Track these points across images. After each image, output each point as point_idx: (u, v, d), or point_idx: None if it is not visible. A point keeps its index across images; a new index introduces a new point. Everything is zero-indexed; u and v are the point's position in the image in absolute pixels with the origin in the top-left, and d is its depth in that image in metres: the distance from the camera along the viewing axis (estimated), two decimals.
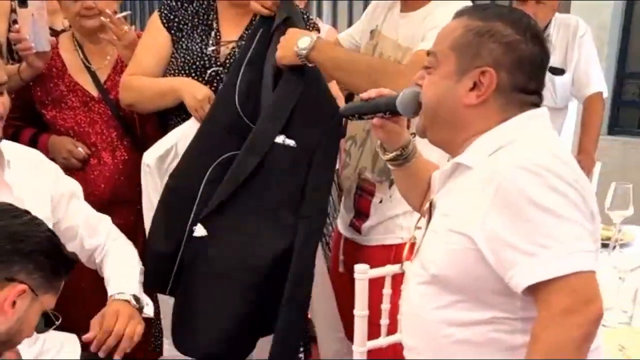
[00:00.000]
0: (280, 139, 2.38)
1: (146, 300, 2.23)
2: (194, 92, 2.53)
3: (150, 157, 2.57)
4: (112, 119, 2.79)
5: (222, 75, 2.58)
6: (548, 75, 3.65)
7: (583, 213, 1.48)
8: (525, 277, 1.44)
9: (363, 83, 2.19)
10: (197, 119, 2.53)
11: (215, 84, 2.58)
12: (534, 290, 1.45)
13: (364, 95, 1.88)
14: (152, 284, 2.42)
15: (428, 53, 1.70)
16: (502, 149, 1.56)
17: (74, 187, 2.36)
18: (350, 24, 6.88)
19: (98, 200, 2.61)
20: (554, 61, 3.69)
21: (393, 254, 2.39)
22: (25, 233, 1.72)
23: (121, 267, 2.28)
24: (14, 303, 1.65)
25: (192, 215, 2.43)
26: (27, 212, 1.79)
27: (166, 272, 2.46)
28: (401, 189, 2.07)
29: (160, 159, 2.56)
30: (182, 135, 2.57)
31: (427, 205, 1.73)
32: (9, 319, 1.66)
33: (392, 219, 2.44)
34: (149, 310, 2.23)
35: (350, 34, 2.70)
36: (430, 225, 1.68)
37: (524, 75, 1.60)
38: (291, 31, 2.38)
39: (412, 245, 1.77)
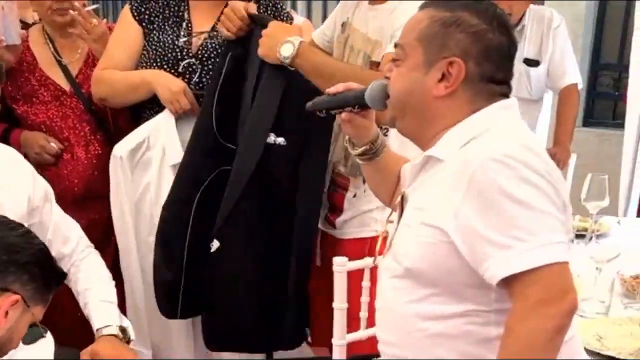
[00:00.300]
0: (270, 138, 2.38)
1: (127, 323, 2.23)
2: (168, 84, 2.52)
3: (122, 149, 2.57)
4: (85, 113, 2.77)
5: (195, 67, 2.57)
6: (523, 66, 3.72)
7: (555, 204, 1.47)
8: (500, 269, 1.43)
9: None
10: (171, 111, 2.54)
11: (188, 76, 2.57)
12: (508, 282, 1.44)
13: (332, 89, 1.86)
14: (164, 312, 2.55)
15: (395, 45, 1.69)
16: (473, 140, 1.55)
17: (48, 189, 2.33)
18: (324, 18, 6.87)
19: (72, 196, 2.59)
20: (529, 52, 3.71)
21: (368, 247, 2.38)
22: (22, 245, 1.78)
23: (103, 298, 2.24)
24: (6, 313, 1.67)
25: (187, 242, 2.50)
26: (21, 225, 1.86)
27: (175, 298, 2.52)
28: (371, 184, 2.06)
29: (133, 152, 2.57)
30: (155, 128, 2.57)
31: (399, 198, 1.72)
32: (1, 328, 1.67)
33: (367, 212, 2.44)
34: (131, 333, 2.22)
35: (323, 30, 2.67)
36: (403, 218, 1.67)
37: (492, 65, 1.59)
38: (274, 27, 2.36)
39: (385, 239, 1.76)
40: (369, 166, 1.96)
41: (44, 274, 1.81)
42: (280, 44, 2.29)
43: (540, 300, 1.41)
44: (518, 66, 3.68)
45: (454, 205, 1.48)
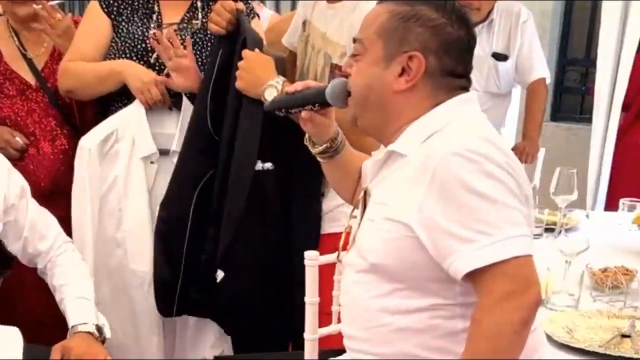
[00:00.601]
0: (258, 165, 2.38)
1: (103, 321, 2.21)
2: (139, 74, 2.51)
3: (90, 141, 2.54)
4: (51, 107, 2.74)
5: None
6: (492, 61, 3.74)
7: (518, 197, 1.48)
8: (464, 264, 1.44)
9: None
10: (142, 101, 2.52)
11: (158, 67, 2.55)
12: (473, 276, 1.44)
13: (290, 88, 1.85)
14: (161, 311, 2.56)
15: (354, 40, 1.68)
16: (435, 134, 1.55)
17: (24, 184, 2.30)
18: (293, 8, 6.86)
19: (38, 192, 2.55)
20: (497, 47, 3.73)
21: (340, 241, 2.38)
22: None
23: (79, 295, 2.21)
24: None
25: (186, 241, 2.49)
26: None
27: (172, 297, 2.53)
28: (332, 181, 2.05)
29: (101, 144, 2.54)
30: (124, 120, 2.55)
31: (361, 194, 1.72)
32: None
33: (337, 207, 2.43)
34: (107, 332, 2.20)
35: (289, 33, 2.65)
36: (366, 214, 1.66)
37: (451, 59, 1.60)
38: (251, 60, 2.35)
39: (348, 234, 1.75)
40: (330, 164, 1.95)
41: None
42: (263, 86, 2.28)
43: (506, 293, 1.41)
44: (487, 60, 3.70)
45: (417, 199, 1.48)
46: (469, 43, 1.64)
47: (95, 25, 2.64)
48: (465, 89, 1.64)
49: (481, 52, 3.69)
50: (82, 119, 2.78)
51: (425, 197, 1.47)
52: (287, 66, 2.60)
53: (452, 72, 1.61)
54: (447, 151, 1.47)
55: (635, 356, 1.87)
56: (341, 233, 2.36)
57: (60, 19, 2.68)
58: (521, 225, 1.46)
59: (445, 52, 1.59)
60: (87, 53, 2.61)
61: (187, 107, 2.55)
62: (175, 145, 2.56)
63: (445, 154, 1.47)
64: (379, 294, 1.58)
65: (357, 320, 1.65)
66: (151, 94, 2.49)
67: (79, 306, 2.18)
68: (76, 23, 2.77)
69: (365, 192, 1.70)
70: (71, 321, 2.14)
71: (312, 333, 2.12)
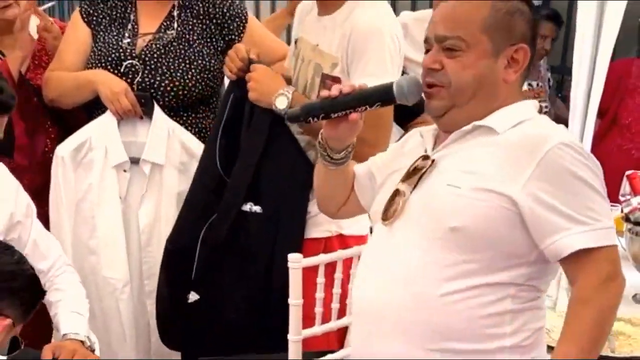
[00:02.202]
0: (247, 206, 2.39)
1: (94, 339, 2.23)
2: (110, 84, 2.54)
3: (64, 149, 2.59)
4: (41, 107, 2.74)
5: (137, 68, 2.57)
6: None
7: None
8: (577, 241, 1.54)
9: None
10: (112, 111, 2.55)
11: (130, 77, 2.58)
12: (578, 255, 1.55)
13: (330, 92, 1.76)
14: (170, 344, 2.61)
15: (442, 38, 1.70)
16: (524, 122, 1.66)
17: (30, 204, 2.31)
18: (272, 10, 6.89)
19: (32, 188, 2.56)
20: None
21: (323, 246, 2.42)
22: (17, 272, 1.99)
23: (74, 309, 2.24)
24: None
25: (193, 276, 2.50)
26: (10, 247, 2.06)
27: (176, 329, 2.57)
28: (326, 190, 2.02)
29: (75, 152, 2.59)
30: (98, 129, 2.59)
31: (419, 160, 1.72)
32: None
33: (321, 213, 2.44)
34: (97, 350, 2.23)
35: (289, 55, 2.65)
36: (441, 180, 1.66)
37: (534, 49, 1.73)
38: (261, 72, 2.38)
39: (392, 200, 1.73)
40: (335, 172, 1.93)
41: (32, 298, 2.02)
42: (274, 95, 2.32)
43: (610, 277, 1.55)
44: None
45: (522, 176, 1.57)
46: None
47: (76, 35, 2.70)
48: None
49: None
50: (74, 118, 2.78)
51: (533, 176, 1.57)
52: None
53: (532, 62, 1.73)
54: (556, 141, 1.58)
55: (610, 354, 1.92)
56: (323, 239, 2.43)
57: (53, 22, 2.73)
58: (611, 219, 1.60)
59: (534, 43, 1.73)
60: (69, 62, 2.67)
61: (159, 115, 2.57)
62: (145, 154, 2.58)
63: (556, 143, 1.57)
64: (442, 262, 1.62)
65: (403, 285, 1.65)
66: (121, 104, 2.51)
67: (72, 319, 2.20)
68: (61, 29, 2.80)
69: (429, 160, 1.71)
70: (63, 330, 2.17)
71: (295, 334, 2.16)
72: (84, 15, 2.69)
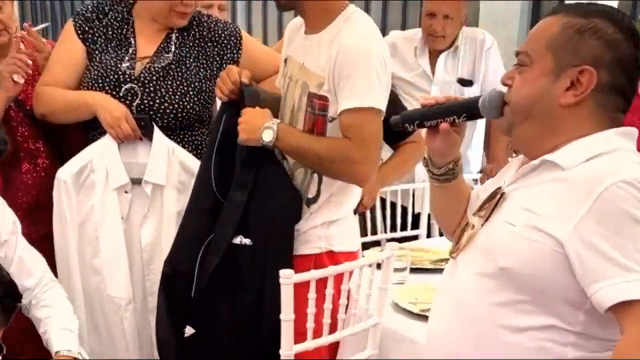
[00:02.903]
0: (237, 239, 2.43)
1: (85, 355, 2.26)
2: (110, 109, 2.55)
3: (65, 173, 2.60)
4: (31, 126, 2.75)
5: (136, 91, 2.60)
6: (457, 86, 3.82)
7: None
8: (620, 292, 1.40)
9: (318, 169, 2.36)
10: (112, 136, 2.57)
11: (129, 100, 2.59)
12: (624, 306, 1.41)
13: (428, 101, 1.81)
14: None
15: (518, 53, 1.65)
16: (598, 157, 1.53)
17: (16, 221, 2.33)
18: (264, 22, 6.92)
19: (21, 209, 2.59)
20: (463, 73, 3.80)
21: (313, 263, 2.43)
22: None
23: (64, 326, 2.24)
24: None
25: (191, 299, 2.51)
26: None
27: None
28: (437, 209, 2.00)
29: (77, 175, 2.60)
30: (99, 151, 2.60)
31: (491, 193, 1.69)
32: None
33: (310, 230, 2.46)
34: None
35: (279, 76, 2.65)
36: (501, 216, 1.62)
37: (623, 76, 1.57)
38: (249, 114, 2.39)
39: (463, 232, 1.71)
40: (442, 189, 1.89)
41: (12, 303, 2.01)
42: (261, 130, 2.34)
43: None
44: (452, 86, 3.79)
45: (574, 217, 1.46)
46: (638, 62, 1.59)
47: (70, 50, 2.69)
48: (624, 111, 1.61)
49: (447, 78, 3.79)
50: (67, 139, 2.81)
51: (586, 217, 1.45)
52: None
53: (621, 91, 1.58)
54: (617, 179, 1.44)
55: None
56: (313, 255, 2.45)
57: (45, 43, 2.73)
58: None
59: (619, 68, 1.56)
60: (61, 78, 2.67)
61: (159, 137, 2.60)
62: (147, 175, 2.61)
63: (615, 181, 1.44)
64: (498, 301, 1.56)
65: (461, 323, 1.62)
66: (121, 129, 2.54)
67: (63, 336, 2.21)
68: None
69: (499, 194, 1.66)
70: (55, 347, 2.17)
71: (287, 350, 2.19)
72: (79, 32, 2.69)
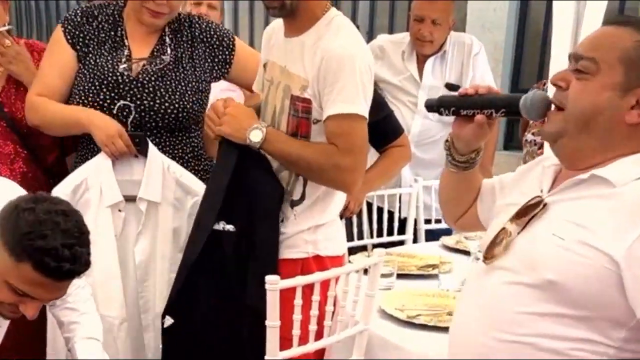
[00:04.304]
0: (220, 225, 2.42)
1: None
2: (104, 128, 2.54)
3: (61, 191, 2.58)
4: (9, 131, 2.73)
5: (130, 109, 2.59)
6: (445, 91, 3.82)
7: None
8: None
9: (305, 175, 2.38)
10: (107, 153, 2.56)
11: (124, 116, 2.58)
12: None
13: (469, 90, 1.79)
14: None
15: (579, 57, 1.60)
16: None
17: None
18: (251, 25, 6.92)
19: None
20: (450, 78, 3.81)
21: (300, 267, 2.43)
22: None
23: (87, 332, 2.21)
24: None
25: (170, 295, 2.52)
26: None
27: None
28: (449, 195, 2.01)
29: (72, 193, 2.58)
30: (93, 169, 2.60)
31: (535, 203, 1.65)
32: None
33: (297, 234, 2.46)
34: None
35: (257, 80, 2.65)
36: (547, 227, 1.59)
37: None
38: (235, 108, 2.39)
39: (497, 236, 1.67)
40: (459, 177, 1.91)
41: None
42: (249, 129, 2.34)
43: None
44: (440, 91, 3.79)
45: (629, 237, 1.44)
46: None
47: (61, 57, 2.67)
48: None
49: (435, 82, 3.79)
50: (38, 142, 2.78)
51: None
52: None
53: None
54: None
55: None
56: (300, 260, 2.44)
57: (9, 44, 2.70)
58: None
59: None
60: (54, 86, 2.64)
61: (154, 153, 2.59)
62: (141, 192, 2.59)
63: None
64: (539, 311, 1.54)
65: (492, 328, 1.60)
66: (116, 146, 2.53)
67: (88, 348, 2.18)
68: (31, 47, 2.79)
69: (539, 203, 1.63)
70: (80, 357, 2.15)
71: (273, 356, 2.16)
72: (69, 37, 2.67)
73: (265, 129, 2.34)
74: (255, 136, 2.33)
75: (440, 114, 1.85)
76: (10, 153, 2.74)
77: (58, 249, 1.79)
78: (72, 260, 1.82)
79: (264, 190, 2.42)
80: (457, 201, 1.98)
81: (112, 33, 2.69)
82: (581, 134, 1.58)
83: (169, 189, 2.62)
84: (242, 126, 2.36)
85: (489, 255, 1.68)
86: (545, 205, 1.62)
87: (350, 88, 2.26)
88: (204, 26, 2.76)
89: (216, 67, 2.71)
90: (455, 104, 1.81)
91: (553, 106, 1.65)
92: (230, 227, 2.41)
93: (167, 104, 2.60)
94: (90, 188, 2.58)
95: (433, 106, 1.86)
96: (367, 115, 2.32)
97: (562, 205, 1.60)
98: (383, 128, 2.98)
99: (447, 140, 1.88)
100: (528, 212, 1.64)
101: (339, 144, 2.29)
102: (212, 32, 2.75)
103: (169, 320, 2.48)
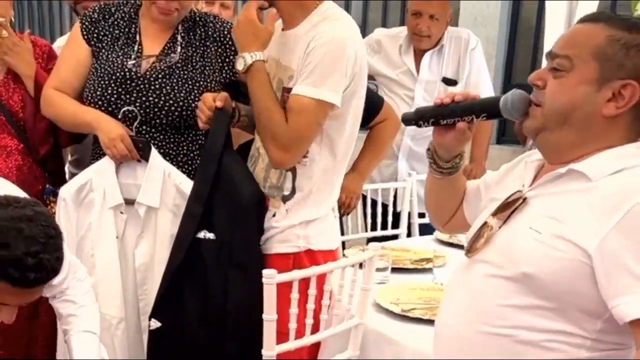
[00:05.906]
0: (201, 234, 2.43)
1: (104, 354, 2.23)
2: (107, 131, 2.57)
3: (67, 192, 2.63)
4: (5, 124, 2.74)
5: (135, 114, 2.60)
6: (442, 85, 3.83)
7: None
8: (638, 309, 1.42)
9: (256, 123, 2.38)
10: (109, 156, 2.59)
11: (129, 121, 2.60)
12: (637, 323, 1.42)
13: (445, 98, 1.79)
14: None
15: (554, 55, 1.63)
16: (627, 170, 1.53)
17: None
18: None
19: None
20: (447, 72, 3.82)
21: (292, 262, 2.43)
22: None
23: (84, 325, 2.21)
24: None
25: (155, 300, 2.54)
26: None
27: None
28: (435, 201, 2.02)
29: (77, 192, 2.63)
30: (98, 170, 2.63)
31: (513, 196, 1.67)
32: None
33: (289, 229, 2.46)
34: None
35: None
36: (524, 222, 1.61)
37: None
38: (247, 23, 2.37)
39: (476, 236, 1.71)
40: (443, 182, 1.92)
41: None
42: (241, 52, 2.37)
43: None
44: (437, 85, 3.80)
45: (602, 229, 1.47)
46: None
47: (76, 52, 2.71)
48: None
49: (432, 77, 3.79)
50: (33, 134, 2.79)
51: (614, 231, 1.45)
52: None
53: None
54: None
55: None
56: (292, 254, 2.44)
57: (6, 35, 2.70)
58: None
59: None
60: (67, 80, 2.69)
61: (155, 159, 2.60)
62: (140, 197, 2.61)
63: None
64: (516, 304, 1.57)
65: (474, 321, 1.63)
66: (117, 149, 2.55)
67: (84, 341, 2.17)
68: (31, 41, 2.79)
69: (520, 197, 1.66)
70: (75, 356, 2.14)
71: (269, 350, 2.17)
72: (84, 33, 2.71)
73: (253, 61, 2.34)
74: (240, 64, 2.36)
75: (419, 126, 1.85)
76: (7, 146, 2.74)
77: (21, 258, 1.72)
78: (38, 268, 1.75)
79: (243, 198, 2.42)
80: (443, 206, 1.99)
81: (126, 30, 2.71)
82: (561, 129, 1.61)
83: (169, 195, 2.63)
84: (244, 44, 2.36)
85: (471, 249, 1.71)
86: (525, 199, 1.65)
87: (322, 72, 2.27)
88: (218, 26, 2.75)
89: (226, 67, 2.70)
90: (434, 115, 1.80)
91: (530, 105, 1.67)
92: (211, 236, 2.43)
93: (171, 102, 2.61)
94: (94, 189, 2.62)
95: (411, 120, 1.84)
96: (336, 102, 2.31)
97: (541, 200, 1.63)
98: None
99: (428, 149, 1.89)
100: (509, 207, 1.67)
101: (290, 121, 2.31)
102: (226, 32, 2.73)
103: (155, 323, 2.50)
